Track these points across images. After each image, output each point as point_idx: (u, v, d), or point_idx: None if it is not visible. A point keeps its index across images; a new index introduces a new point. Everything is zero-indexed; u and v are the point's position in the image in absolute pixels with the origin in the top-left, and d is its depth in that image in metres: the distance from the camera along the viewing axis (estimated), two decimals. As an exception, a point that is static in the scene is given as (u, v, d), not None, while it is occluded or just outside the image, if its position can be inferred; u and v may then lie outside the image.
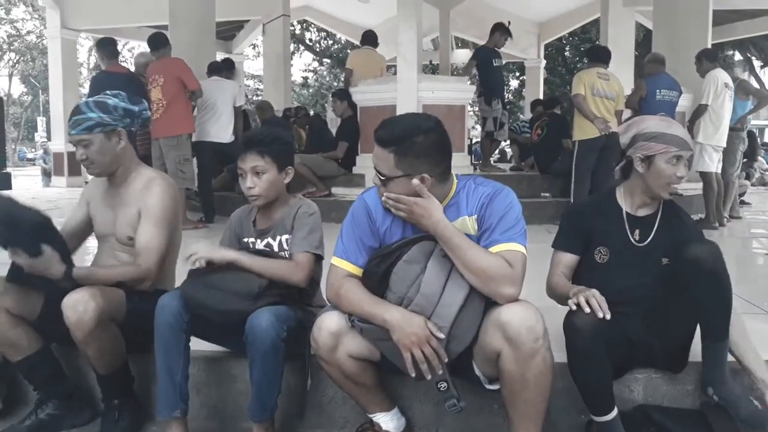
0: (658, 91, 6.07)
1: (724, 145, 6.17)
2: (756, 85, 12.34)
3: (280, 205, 2.32)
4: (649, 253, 2.18)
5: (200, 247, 2.15)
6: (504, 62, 8.03)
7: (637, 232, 2.21)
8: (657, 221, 2.21)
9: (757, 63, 21.05)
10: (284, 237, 2.26)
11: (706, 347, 2.08)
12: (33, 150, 34.18)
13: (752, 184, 9.57)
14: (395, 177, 1.84)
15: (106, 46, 6.17)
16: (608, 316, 1.89)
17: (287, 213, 2.30)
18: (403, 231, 1.98)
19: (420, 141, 1.82)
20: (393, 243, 1.93)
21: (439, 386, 1.81)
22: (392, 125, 1.87)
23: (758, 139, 11.12)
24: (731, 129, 6.24)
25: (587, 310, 1.90)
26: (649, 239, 2.19)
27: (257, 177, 2.21)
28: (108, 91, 2.36)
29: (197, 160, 6.51)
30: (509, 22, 7.80)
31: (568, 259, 2.25)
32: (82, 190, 2.58)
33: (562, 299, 2.15)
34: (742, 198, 8.44)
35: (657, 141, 2.13)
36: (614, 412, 2.00)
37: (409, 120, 1.91)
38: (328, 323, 1.94)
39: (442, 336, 1.77)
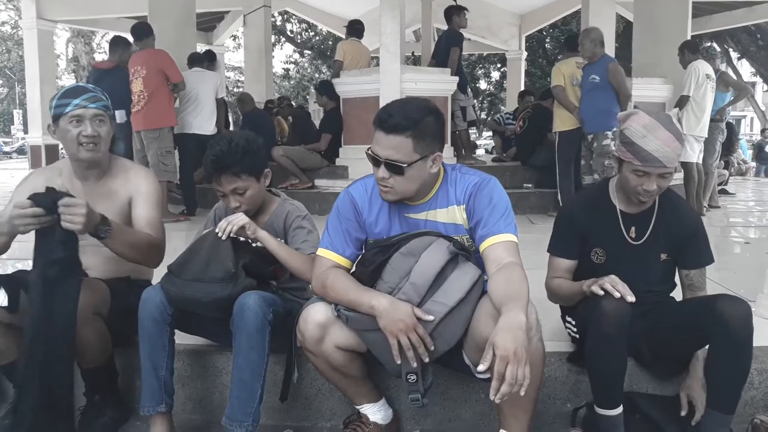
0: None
1: (706, 136, 6.25)
2: (734, 76, 12.46)
3: (264, 204, 2.30)
4: (647, 250, 2.11)
5: (239, 216, 2.11)
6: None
7: (632, 229, 2.12)
8: (653, 217, 2.12)
9: (734, 54, 21.29)
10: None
11: (710, 415, 1.92)
12: (10, 143, 33.56)
13: (730, 174, 9.68)
14: (414, 162, 1.81)
15: (116, 45, 6.21)
16: (633, 299, 1.86)
17: (275, 215, 2.28)
18: (389, 224, 1.98)
19: (432, 121, 1.83)
20: (394, 236, 1.93)
21: (408, 378, 1.80)
22: (400, 110, 1.81)
23: (735, 130, 11.23)
24: (711, 120, 6.32)
25: (617, 294, 1.86)
26: (645, 236, 2.12)
27: (240, 196, 2.17)
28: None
29: (179, 152, 6.46)
30: (455, 0, 7.65)
31: (566, 264, 2.17)
32: (22, 184, 2.32)
33: (568, 299, 2.12)
34: (723, 187, 8.56)
35: (627, 148, 1.98)
36: (620, 408, 1.96)
37: (413, 103, 1.87)
38: (314, 314, 1.93)
39: (429, 318, 1.75)
